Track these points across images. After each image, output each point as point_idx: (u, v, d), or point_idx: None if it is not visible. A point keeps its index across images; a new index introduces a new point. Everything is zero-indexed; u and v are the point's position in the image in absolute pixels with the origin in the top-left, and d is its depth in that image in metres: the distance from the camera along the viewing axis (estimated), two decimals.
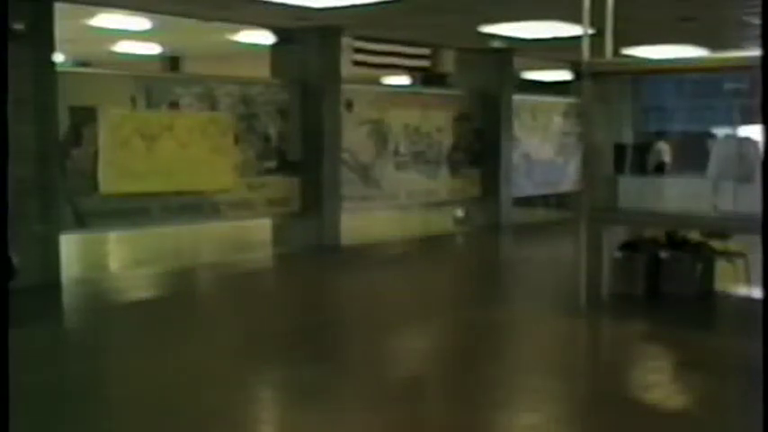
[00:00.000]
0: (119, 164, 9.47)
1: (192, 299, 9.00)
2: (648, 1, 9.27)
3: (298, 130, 11.46)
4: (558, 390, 5.69)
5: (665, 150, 14.90)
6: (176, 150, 10.05)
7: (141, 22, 12.54)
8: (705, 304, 8.19)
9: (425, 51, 13.61)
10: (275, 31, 11.63)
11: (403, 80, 19.13)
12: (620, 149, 8.62)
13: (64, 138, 9.00)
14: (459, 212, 14.62)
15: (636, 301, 8.16)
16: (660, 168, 13.99)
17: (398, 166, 12.97)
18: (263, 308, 8.26)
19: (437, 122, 13.60)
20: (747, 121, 8.53)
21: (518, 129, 15.00)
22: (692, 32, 11.53)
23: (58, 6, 8.70)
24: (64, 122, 8.97)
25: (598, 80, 7.99)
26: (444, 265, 11.13)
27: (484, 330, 7.25)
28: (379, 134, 12.64)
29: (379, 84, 18.02)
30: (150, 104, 9.85)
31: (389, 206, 13.65)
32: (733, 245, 8.46)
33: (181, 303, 8.54)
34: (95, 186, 9.29)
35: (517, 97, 14.85)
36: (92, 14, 11.80)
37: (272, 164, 11.23)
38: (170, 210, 10.08)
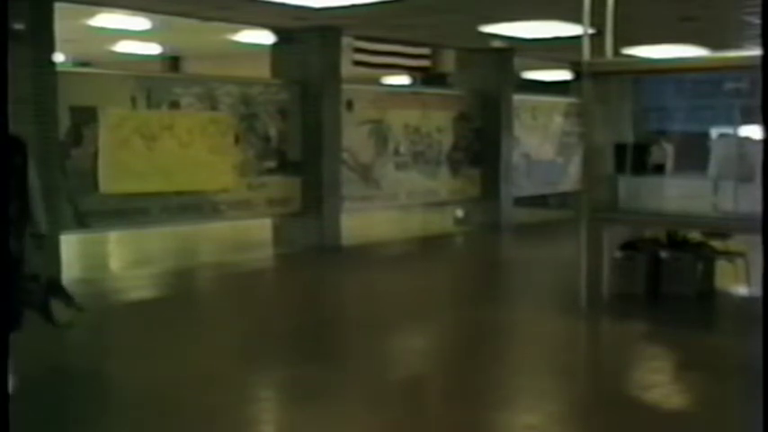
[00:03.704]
0: (119, 164, 9.47)
1: (193, 299, 9.00)
2: (649, 1, 9.27)
3: (298, 130, 11.46)
4: (558, 389, 5.69)
5: (668, 150, 14.87)
6: (176, 150, 10.05)
7: (141, 22, 12.55)
8: (705, 304, 8.19)
9: (425, 51, 13.61)
10: (275, 31, 11.63)
11: (403, 80, 19.13)
12: (620, 149, 8.61)
13: (64, 138, 9.00)
14: (460, 212, 14.61)
15: (636, 300, 8.16)
16: (661, 168, 13.96)
17: (398, 166, 12.97)
18: (265, 308, 8.27)
19: (437, 122, 13.59)
20: (747, 121, 8.52)
21: (518, 129, 15.00)
22: (692, 32, 11.53)
23: (57, 6, 8.70)
24: (64, 122, 8.97)
25: (598, 80, 7.99)
26: (445, 266, 11.13)
27: (484, 330, 7.26)
28: (379, 134, 12.64)
29: (379, 84, 18.01)
30: (150, 104, 9.86)
31: (390, 206, 13.65)
32: (733, 245, 8.46)
33: (182, 304, 8.54)
34: (96, 186, 9.29)
35: (517, 97, 14.84)
36: (92, 14, 11.80)
37: (272, 164, 11.23)
38: (170, 210, 10.08)
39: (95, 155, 9.31)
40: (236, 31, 13.21)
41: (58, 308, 5.22)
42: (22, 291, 5.02)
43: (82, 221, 9.27)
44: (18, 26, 8.01)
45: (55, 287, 5.30)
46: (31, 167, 5.14)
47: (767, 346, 2.98)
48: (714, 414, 5.14)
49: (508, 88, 14.57)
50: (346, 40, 11.87)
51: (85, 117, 9.22)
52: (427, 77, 16.32)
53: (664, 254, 8.35)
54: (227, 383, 5.60)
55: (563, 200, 16.20)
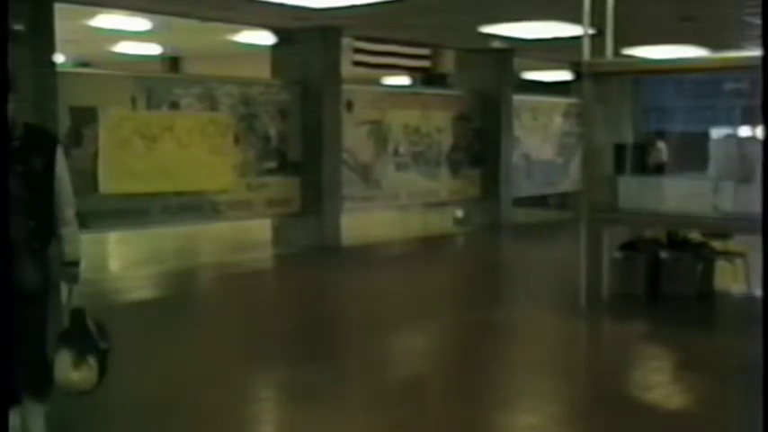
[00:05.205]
0: (119, 164, 9.47)
1: (193, 299, 9.00)
2: (649, 1, 9.27)
3: (298, 131, 11.46)
4: (558, 390, 5.69)
5: (663, 150, 14.91)
6: (176, 151, 10.04)
7: (141, 23, 12.54)
8: (705, 304, 8.19)
9: (425, 51, 13.60)
10: (275, 31, 11.63)
11: (403, 80, 19.13)
12: (620, 149, 8.62)
13: (64, 138, 8.98)
14: (459, 213, 14.62)
15: (636, 301, 8.16)
16: (658, 168, 14.00)
17: (398, 167, 12.97)
18: (264, 308, 8.27)
19: (437, 123, 13.59)
20: (747, 121, 8.52)
21: (518, 129, 15.01)
22: (692, 32, 11.53)
23: (57, 6, 8.69)
24: (64, 123, 8.97)
25: (598, 80, 7.99)
26: (445, 266, 11.13)
27: (484, 330, 7.26)
28: (379, 134, 12.64)
29: (379, 84, 18.02)
30: (150, 105, 9.85)
31: (389, 206, 13.65)
32: (733, 245, 8.47)
33: (182, 304, 8.54)
34: (96, 187, 9.29)
35: (517, 97, 14.85)
36: (92, 15, 11.80)
37: (272, 164, 11.23)
38: (170, 210, 10.08)
39: (95, 155, 9.31)
40: (235, 31, 13.21)
41: (63, 360, 3.97)
42: (41, 337, 4.01)
43: (82, 222, 9.21)
44: (18, 26, 8.00)
45: (72, 333, 4.10)
46: (61, 172, 4.07)
47: (767, 346, 2.99)
48: (714, 414, 5.14)
49: (508, 89, 14.57)
50: (346, 41, 11.87)
51: (85, 117, 9.22)
52: (427, 78, 16.31)
53: (663, 254, 8.35)
54: (228, 383, 5.60)
55: (563, 200, 16.21)
